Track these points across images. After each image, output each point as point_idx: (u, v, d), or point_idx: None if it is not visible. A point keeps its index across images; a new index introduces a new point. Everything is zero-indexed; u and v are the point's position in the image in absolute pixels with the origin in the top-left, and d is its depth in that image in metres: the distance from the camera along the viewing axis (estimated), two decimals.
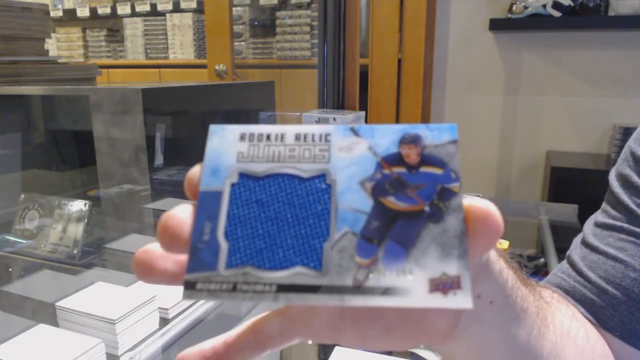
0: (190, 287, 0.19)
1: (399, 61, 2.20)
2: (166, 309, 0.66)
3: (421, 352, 0.66)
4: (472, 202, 0.20)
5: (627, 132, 1.90)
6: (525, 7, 1.98)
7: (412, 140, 0.20)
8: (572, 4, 1.93)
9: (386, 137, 0.20)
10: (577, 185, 1.82)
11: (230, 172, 0.20)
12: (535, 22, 2.00)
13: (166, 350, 0.62)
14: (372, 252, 0.19)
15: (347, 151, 0.20)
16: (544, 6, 1.95)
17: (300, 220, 0.19)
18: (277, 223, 0.19)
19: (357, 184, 0.20)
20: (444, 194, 0.19)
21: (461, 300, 0.18)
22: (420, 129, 0.21)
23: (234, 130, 0.21)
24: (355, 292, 0.18)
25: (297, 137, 0.21)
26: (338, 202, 0.19)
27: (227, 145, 0.21)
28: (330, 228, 0.19)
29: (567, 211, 1.36)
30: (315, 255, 0.19)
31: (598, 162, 2.00)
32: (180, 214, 0.20)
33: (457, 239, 0.18)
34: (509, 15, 2.02)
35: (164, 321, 0.66)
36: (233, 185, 0.20)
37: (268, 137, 0.21)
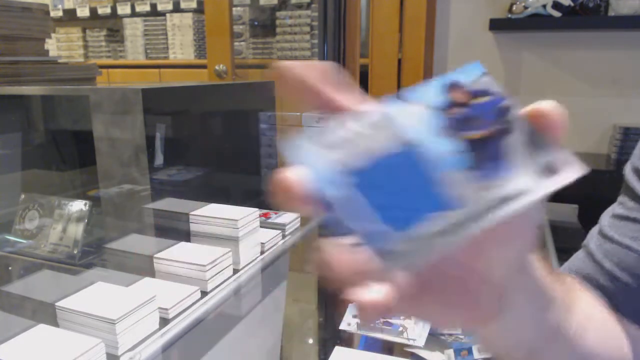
0: (386, 259, 0.22)
1: (399, 61, 2.20)
2: (166, 309, 0.66)
3: (421, 352, 0.66)
4: (530, 107, 0.23)
5: (627, 132, 1.89)
6: (525, 7, 1.98)
7: (454, 85, 0.23)
8: (572, 4, 1.93)
9: (429, 92, 0.23)
10: (577, 185, 1.82)
11: (338, 175, 0.22)
12: (535, 22, 2.00)
13: (166, 350, 0.62)
14: (484, 176, 0.22)
15: (409, 116, 0.23)
16: (544, 6, 1.95)
17: (420, 182, 0.22)
18: (405, 194, 0.22)
19: (437, 135, 0.23)
20: (503, 111, 0.23)
21: (575, 170, 0.22)
22: (453, 76, 0.24)
23: (311, 141, 0.23)
24: (497, 207, 0.22)
25: (365, 125, 0.23)
26: (433, 155, 0.22)
27: (315, 155, 0.23)
28: (444, 176, 0.22)
29: (567, 211, 1.36)
30: (449, 199, 0.22)
31: (598, 162, 2.00)
32: (292, 175, 0.22)
33: (535, 137, 0.23)
34: (509, 15, 2.02)
35: (164, 321, 0.65)
36: (349, 185, 0.22)
37: (342, 137, 0.23)
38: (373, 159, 0.22)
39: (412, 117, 0.23)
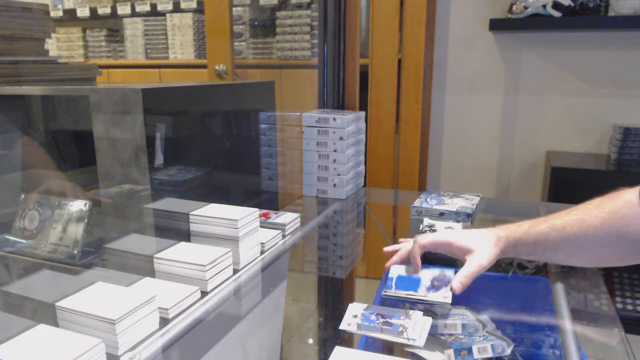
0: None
1: (399, 61, 2.20)
2: (166, 309, 0.66)
3: (421, 352, 0.66)
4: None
5: (627, 132, 1.89)
6: (525, 7, 1.98)
7: (441, 272, 0.82)
8: (572, 4, 1.93)
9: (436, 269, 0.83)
10: (577, 185, 1.82)
11: (398, 275, 0.84)
12: (535, 22, 2.00)
13: (166, 350, 0.62)
14: (433, 290, 0.78)
15: (430, 272, 0.82)
16: (544, 6, 1.95)
17: (417, 283, 0.80)
18: (411, 284, 0.80)
19: (430, 278, 0.81)
20: (449, 282, 0.78)
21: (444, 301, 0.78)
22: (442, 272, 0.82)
23: (398, 267, 0.85)
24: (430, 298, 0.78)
25: (410, 269, 0.84)
26: (423, 280, 0.81)
27: (397, 268, 0.85)
28: (423, 285, 0.80)
29: None
30: (422, 290, 0.79)
31: (598, 162, 2.00)
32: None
33: (446, 282, 0.79)
34: (509, 15, 2.02)
35: (164, 321, 0.66)
36: (400, 277, 0.83)
37: (405, 268, 0.85)
38: (404, 273, 0.83)
39: (432, 272, 0.81)
